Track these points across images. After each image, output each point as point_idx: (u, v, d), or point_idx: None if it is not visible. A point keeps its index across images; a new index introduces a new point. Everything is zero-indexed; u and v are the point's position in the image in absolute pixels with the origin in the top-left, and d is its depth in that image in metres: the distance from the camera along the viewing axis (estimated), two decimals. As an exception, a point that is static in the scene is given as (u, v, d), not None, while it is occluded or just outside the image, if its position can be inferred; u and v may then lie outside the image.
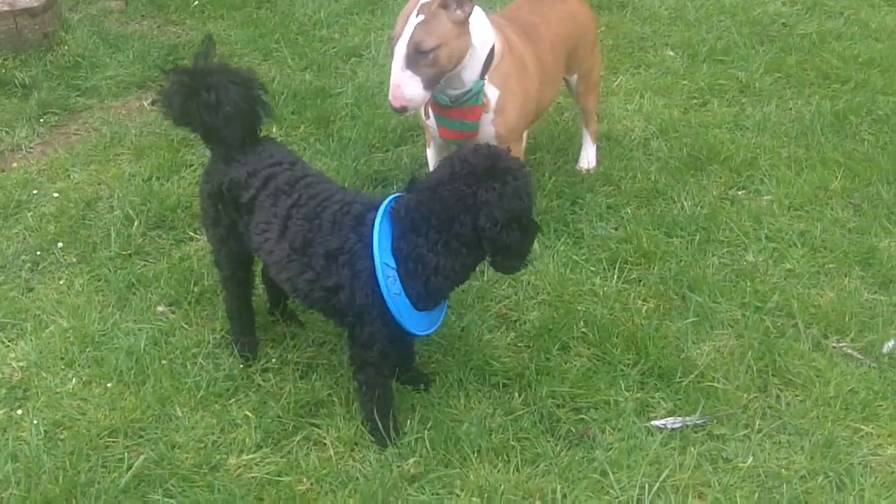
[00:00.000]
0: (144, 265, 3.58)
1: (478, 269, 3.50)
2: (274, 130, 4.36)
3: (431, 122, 3.45)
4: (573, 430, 2.88)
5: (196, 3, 5.71)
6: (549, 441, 2.84)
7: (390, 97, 3.11)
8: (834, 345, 3.19)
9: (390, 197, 2.66)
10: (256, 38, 5.31)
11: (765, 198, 3.91)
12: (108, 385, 3.02)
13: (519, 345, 3.23)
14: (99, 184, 4.05)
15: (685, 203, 3.89)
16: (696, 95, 4.58)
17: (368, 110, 4.53)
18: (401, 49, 3.08)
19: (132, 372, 3.06)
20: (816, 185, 3.94)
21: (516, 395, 2.98)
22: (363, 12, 5.61)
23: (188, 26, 5.51)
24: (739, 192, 3.97)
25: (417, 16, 3.08)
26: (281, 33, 5.35)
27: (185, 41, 5.29)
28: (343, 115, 4.51)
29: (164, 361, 3.10)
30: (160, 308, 3.35)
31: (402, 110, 3.13)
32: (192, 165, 4.14)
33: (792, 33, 5.24)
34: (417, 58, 3.07)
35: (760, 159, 4.13)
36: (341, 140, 4.30)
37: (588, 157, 4.17)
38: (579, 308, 3.34)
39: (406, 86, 3.09)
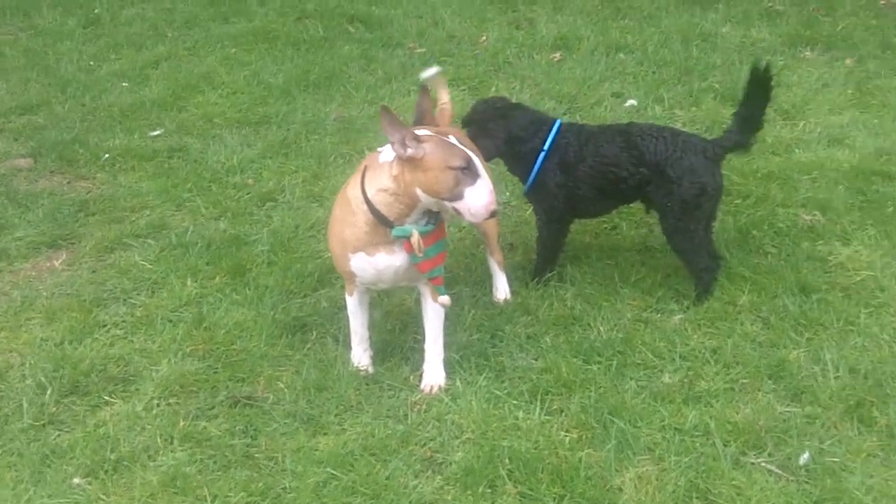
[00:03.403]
0: (59, 435, 3.52)
1: (401, 411, 3.54)
2: (188, 283, 4.36)
3: (386, 264, 3.51)
4: (503, 573, 2.86)
5: (106, 156, 5.71)
6: (480, 588, 2.82)
7: (493, 202, 3.34)
8: (752, 461, 3.24)
9: None
10: (169, 188, 5.31)
11: (677, 317, 3.99)
12: (25, 566, 2.94)
13: (445, 487, 3.22)
14: (10, 351, 3.99)
15: (601, 328, 3.95)
16: (606, 220, 4.68)
17: (285, 255, 4.56)
18: (481, 164, 3.36)
19: (50, 550, 2.99)
20: (725, 301, 4.04)
21: (445, 542, 2.96)
22: (276, 156, 5.64)
23: (99, 180, 5.50)
24: (653, 314, 4.05)
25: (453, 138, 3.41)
26: (194, 182, 5.36)
27: (96, 196, 5.29)
28: (259, 262, 4.53)
29: (82, 536, 3.03)
30: (76, 480, 3.29)
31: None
32: (105, 326, 4.12)
33: (692, 152, 5.42)
34: None
35: (671, 279, 4.23)
36: (258, 288, 4.31)
37: (502, 288, 4.23)
38: (504, 444, 3.36)
39: None
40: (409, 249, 3.44)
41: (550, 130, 4.14)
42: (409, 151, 3.30)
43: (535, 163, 4.14)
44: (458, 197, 3.32)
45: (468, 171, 3.30)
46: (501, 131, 4.13)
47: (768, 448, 3.29)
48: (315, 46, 7.09)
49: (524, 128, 4.16)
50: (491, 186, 3.34)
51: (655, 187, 4.00)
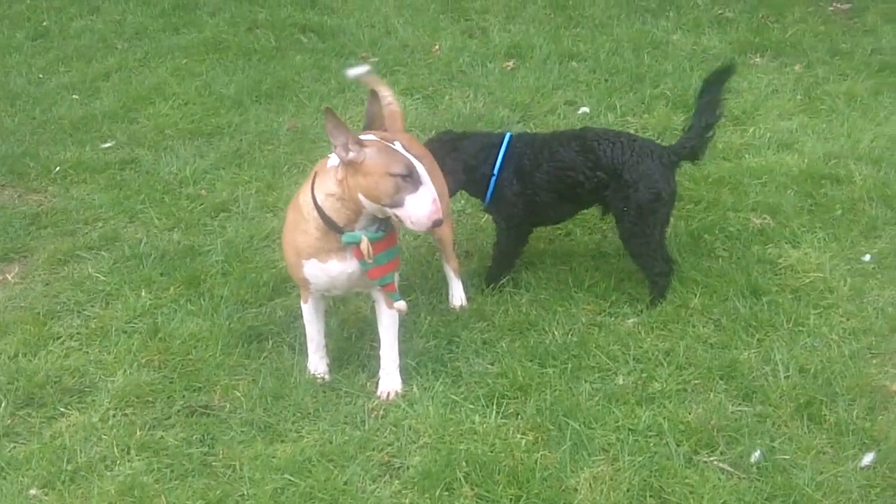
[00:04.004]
0: (14, 447, 3.49)
1: (358, 417, 3.55)
2: (142, 294, 4.34)
3: (339, 270, 3.51)
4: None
5: (57, 168, 5.63)
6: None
7: (436, 211, 3.27)
8: (705, 460, 3.30)
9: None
10: (121, 200, 5.26)
11: (630, 321, 4.04)
12: (-21, 580, 2.91)
13: (403, 491, 3.24)
14: (-38, 366, 3.95)
15: (556, 332, 3.99)
16: (560, 226, 4.72)
17: (239, 266, 4.55)
18: (424, 171, 3.28)
19: (4, 563, 2.97)
20: (678, 304, 4.10)
21: (402, 545, 2.98)
22: (229, 167, 5.60)
23: (50, 193, 5.42)
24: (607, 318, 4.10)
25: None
26: (146, 193, 5.31)
27: (48, 208, 5.21)
28: (214, 272, 4.51)
29: (38, 548, 3.01)
30: (33, 491, 3.27)
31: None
32: (59, 338, 4.08)
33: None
34: None
35: (625, 284, 4.27)
36: (213, 298, 4.29)
37: (458, 294, 4.25)
38: (461, 448, 3.38)
39: None
40: (359, 255, 3.44)
41: (499, 151, 4.20)
42: (351, 155, 3.29)
43: (490, 185, 4.22)
44: (398, 204, 3.29)
45: (410, 179, 3.26)
46: (457, 164, 4.18)
47: (720, 447, 3.35)
48: (267, 57, 7.07)
49: (474, 155, 4.23)
50: (434, 196, 3.30)
51: (613, 192, 4.06)
